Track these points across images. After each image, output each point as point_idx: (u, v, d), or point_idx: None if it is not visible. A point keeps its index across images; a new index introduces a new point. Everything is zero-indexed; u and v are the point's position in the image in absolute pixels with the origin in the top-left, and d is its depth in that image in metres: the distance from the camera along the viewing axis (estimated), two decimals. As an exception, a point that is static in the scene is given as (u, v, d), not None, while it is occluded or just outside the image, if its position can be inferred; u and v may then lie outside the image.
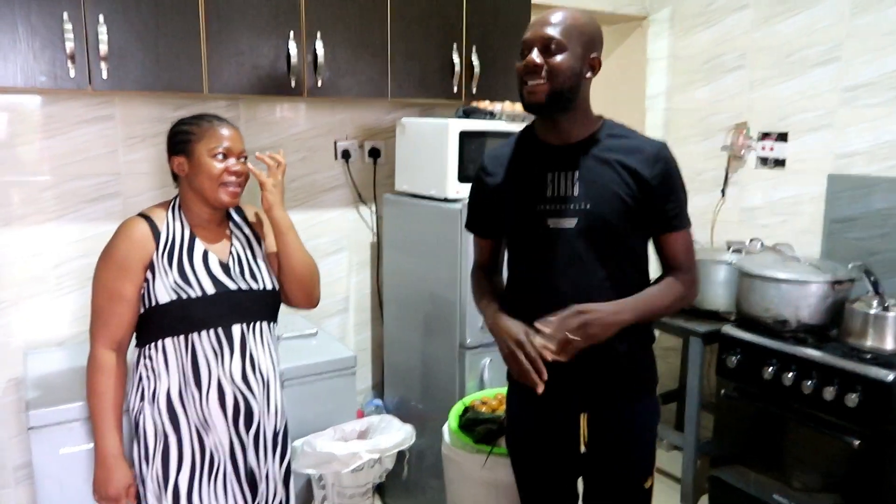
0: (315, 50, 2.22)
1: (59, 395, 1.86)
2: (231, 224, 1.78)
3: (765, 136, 2.95)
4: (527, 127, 1.67)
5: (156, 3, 1.96)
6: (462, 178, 2.34)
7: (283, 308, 1.80)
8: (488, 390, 2.33)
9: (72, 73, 1.87)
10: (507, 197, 1.64)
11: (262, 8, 2.12)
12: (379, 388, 2.87)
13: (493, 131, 2.40)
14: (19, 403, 2.20)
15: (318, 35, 2.21)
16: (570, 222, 1.54)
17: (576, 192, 1.54)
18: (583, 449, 1.62)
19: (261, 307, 1.71)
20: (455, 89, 2.52)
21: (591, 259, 1.54)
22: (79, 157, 2.22)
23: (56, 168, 2.19)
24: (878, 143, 2.58)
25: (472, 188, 1.76)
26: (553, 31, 1.47)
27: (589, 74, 1.53)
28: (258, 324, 1.70)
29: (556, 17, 1.49)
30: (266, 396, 1.69)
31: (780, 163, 2.92)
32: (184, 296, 1.61)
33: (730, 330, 2.56)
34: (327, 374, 2.15)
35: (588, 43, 1.50)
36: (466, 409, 2.19)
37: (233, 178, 1.66)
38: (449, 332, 2.41)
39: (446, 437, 2.15)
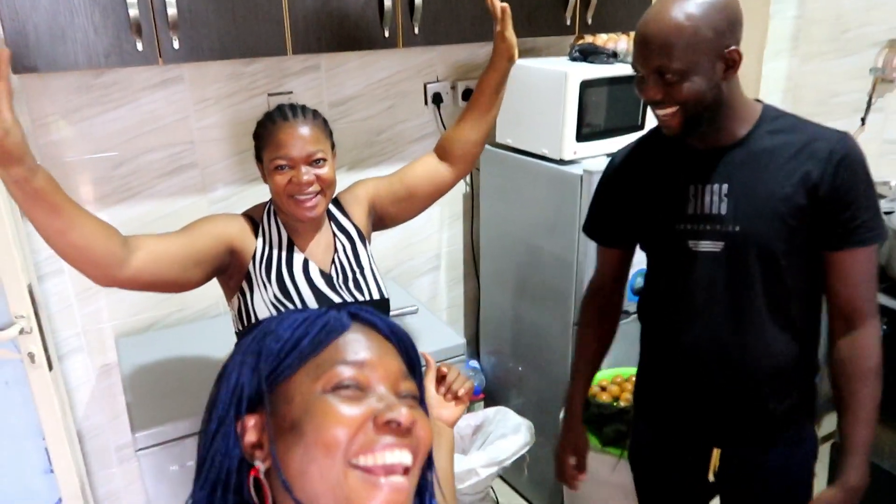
0: (410, -9, 1.85)
1: (163, 408, 1.73)
2: (333, 226, 1.55)
3: (924, 55, 2.50)
4: None
5: (228, -45, 1.61)
6: (581, 137, 2.02)
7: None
8: (606, 371, 2.14)
9: (139, 46, 1.57)
10: (640, 208, 1.38)
11: (349, -52, 1.74)
12: (473, 346, 2.71)
13: (618, 77, 2.04)
14: (112, 388, 2.11)
15: (414, -27, 1.84)
16: (716, 246, 1.28)
17: (723, 211, 1.26)
18: (711, 478, 1.44)
19: None
20: (568, 21, 2.13)
21: (740, 289, 1.28)
22: (148, 127, 1.96)
23: (125, 142, 1.94)
24: None
25: (599, 187, 1.49)
26: (665, 60, 1.15)
27: (729, 74, 1.20)
28: None
29: (667, 35, 1.14)
30: None
31: (940, 88, 2.48)
32: (284, 311, 1.40)
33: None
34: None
35: (716, 42, 1.15)
36: (587, 400, 2.01)
37: (303, 191, 1.39)
38: (561, 303, 2.18)
39: (566, 429, 1.99)
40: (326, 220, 1.54)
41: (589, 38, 2.20)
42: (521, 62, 2.13)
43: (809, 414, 1.42)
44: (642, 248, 1.46)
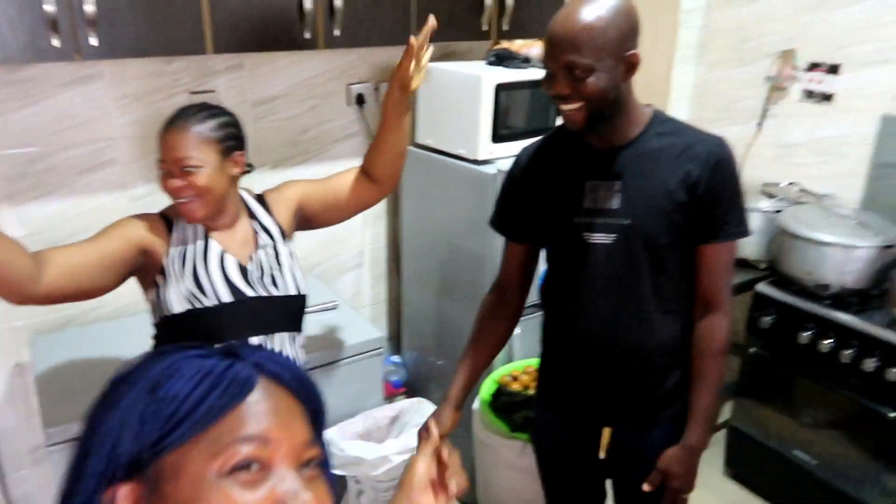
0: (331, -5, 1.91)
1: (75, 404, 1.73)
2: (255, 222, 1.58)
3: (813, 66, 2.70)
4: None
5: (146, -47, 1.64)
6: (496, 138, 2.13)
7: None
8: (518, 362, 2.25)
9: (55, 42, 1.58)
10: (541, 203, 1.48)
11: (270, -49, 1.79)
12: (394, 342, 2.78)
13: (532, 81, 2.15)
14: (26, 388, 2.09)
15: (335, -23, 1.90)
16: (609, 238, 1.40)
17: (616, 205, 1.38)
18: (602, 455, 1.57)
19: (282, 316, 1.56)
20: (485, 27, 2.23)
21: (630, 278, 1.41)
22: (66, 123, 1.95)
23: (43, 138, 1.93)
24: (942, 87, 2.37)
25: (505, 183, 1.58)
26: (574, 56, 1.25)
27: (629, 76, 1.32)
28: (279, 334, 1.55)
29: (577, 33, 1.24)
30: None
31: (827, 97, 2.69)
32: (198, 305, 1.45)
33: (765, 289, 2.47)
34: (354, 357, 2.03)
35: (620, 44, 1.27)
36: (499, 389, 2.12)
37: (177, 195, 1.43)
38: (475, 295, 2.27)
39: (477, 418, 2.09)
40: (245, 216, 1.58)
41: (505, 44, 2.31)
42: (439, 66, 2.23)
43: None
44: (543, 241, 1.55)
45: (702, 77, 3.10)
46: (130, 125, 2.04)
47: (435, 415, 1.55)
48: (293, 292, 1.57)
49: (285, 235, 1.62)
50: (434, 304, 2.51)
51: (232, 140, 1.47)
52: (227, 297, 1.48)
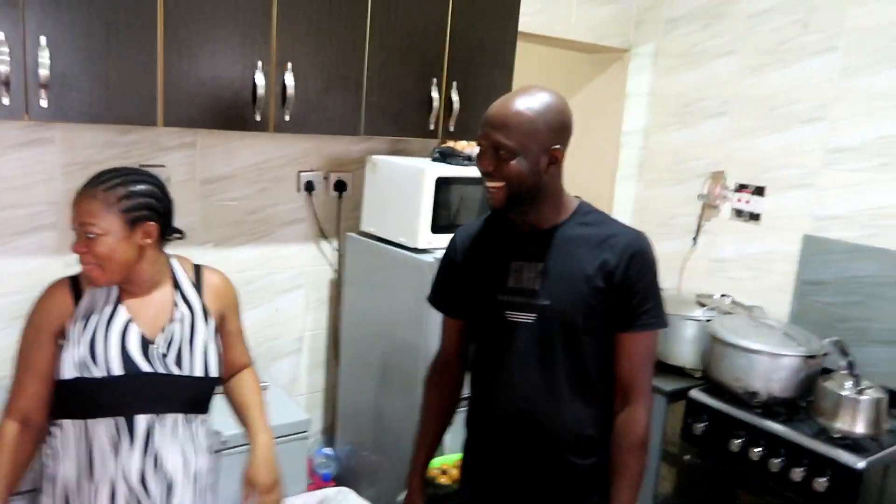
0: (284, 81, 2.02)
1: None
2: (178, 294, 1.52)
3: (742, 187, 2.89)
4: None
5: (108, 27, 1.73)
6: (436, 228, 2.20)
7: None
8: (448, 456, 2.20)
9: (5, 101, 1.64)
10: (471, 280, 1.53)
11: (229, 36, 1.91)
12: (329, 434, 2.71)
13: (471, 178, 2.25)
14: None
15: (289, 66, 2.02)
16: (529, 318, 1.43)
17: (537, 286, 1.43)
18: None
19: (179, 396, 1.47)
20: (432, 126, 2.37)
21: (547, 359, 1.43)
22: (12, 183, 1.98)
23: (-15, 195, 1.95)
24: (857, 210, 2.54)
25: (442, 261, 1.63)
26: (501, 137, 1.34)
27: (551, 169, 1.39)
28: (173, 416, 1.46)
29: (508, 117, 1.34)
30: (167, 501, 1.45)
31: (755, 217, 2.86)
32: (87, 374, 1.39)
33: (698, 395, 2.49)
34: (276, 439, 1.96)
35: (546, 137, 1.36)
36: (426, 482, 2.06)
37: (81, 260, 1.41)
38: (410, 385, 2.26)
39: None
40: (169, 284, 1.52)
41: (450, 143, 2.44)
42: (386, 158, 2.34)
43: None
44: (471, 318, 1.58)
45: (642, 194, 3.27)
46: (74, 192, 2.06)
47: (411, 498, 1.64)
48: (199, 374, 1.49)
49: (207, 315, 1.55)
50: (371, 396, 2.47)
51: (143, 210, 1.42)
52: (118, 369, 1.41)
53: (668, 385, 2.61)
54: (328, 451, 2.64)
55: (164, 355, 1.46)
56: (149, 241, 1.44)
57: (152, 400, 1.43)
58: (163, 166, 2.17)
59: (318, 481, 2.50)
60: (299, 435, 2.01)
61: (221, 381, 1.58)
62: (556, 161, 1.39)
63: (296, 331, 2.61)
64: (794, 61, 2.69)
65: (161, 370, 1.45)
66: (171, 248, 1.54)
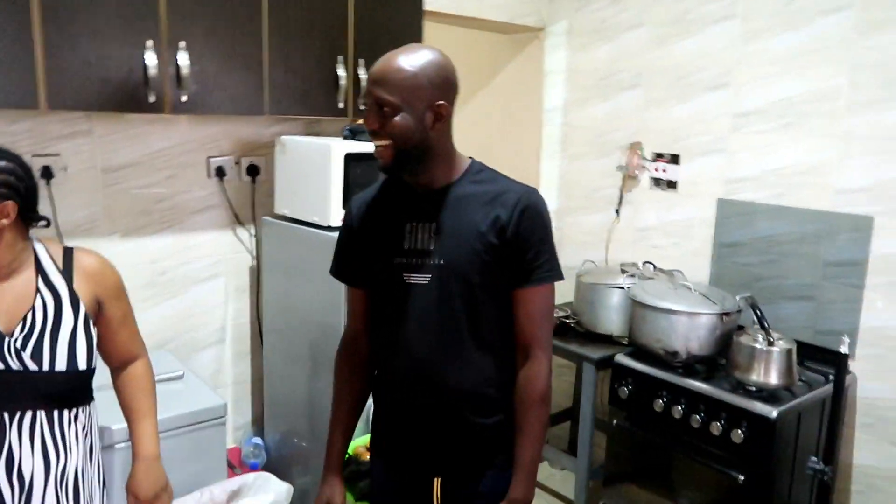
0: (177, 61, 1.97)
1: None
2: (40, 280, 1.38)
3: (658, 157, 2.94)
4: None
5: (-23, 5, 1.67)
6: (346, 205, 2.17)
7: (148, 343, 1.59)
8: (373, 433, 2.18)
9: None
10: (368, 245, 1.51)
11: (111, 14, 1.85)
12: (259, 424, 2.66)
13: (381, 154, 2.23)
14: None
15: (182, 45, 1.97)
16: (425, 278, 1.42)
17: (432, 246, 1.42)
18: None
19: (35, 393, 1.36)
20: (341, 105, 2.34)
21: (446, 319, 1.42)
22: None
23: None
24: (766, 171, 2.61)
25: (340, 231, 1.61)
26: (383, 93, 1.33)
27: (438, 125, 1.38)
28: (28, 413, 1.35)
29: (388, 72, 1.33)
30: None
31: (672, 185, 2.91)
32: None
33: (622, 359, 2.53)
34: (191, 426, 1.92)
35: (429, 92, 1.34)
36: (350, 459, 2.03)
37: None
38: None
39: (326, 488, 1.99)
40: (31, 270, 1.39)
41: (361, 121, 2.41)
42: (293, 138, 2.31)
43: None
44: (369, 284, 1.56)
45: (566, 168, 3.30)
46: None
47: (327, 491, 1.57)
48: (60, 368, 1.37)
49: (77, 303, 1.41)
50: (298, 383, 2.43)
51: (1, 188, 1.30)
52: None
53: (597, 353, 2.64)
54: (257, 440, 2.59)
55: (20, 349, 1.34)
56: (5, 221, 1.31)
57: (3, 398, 1.34)
58: (57, 155, 2.10)
59: (247, 472, 2.44)
60: (216, 420, 1.96)
61: (92, 372, 1.45)
62: (441, 117, 1.38)
63: (217, 320, 2.55)
64: (698, 30, 2.75)
65: (15, 367, 1.33)
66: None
